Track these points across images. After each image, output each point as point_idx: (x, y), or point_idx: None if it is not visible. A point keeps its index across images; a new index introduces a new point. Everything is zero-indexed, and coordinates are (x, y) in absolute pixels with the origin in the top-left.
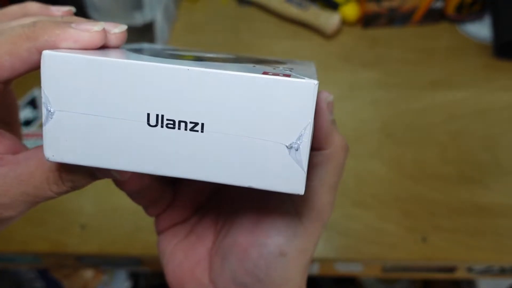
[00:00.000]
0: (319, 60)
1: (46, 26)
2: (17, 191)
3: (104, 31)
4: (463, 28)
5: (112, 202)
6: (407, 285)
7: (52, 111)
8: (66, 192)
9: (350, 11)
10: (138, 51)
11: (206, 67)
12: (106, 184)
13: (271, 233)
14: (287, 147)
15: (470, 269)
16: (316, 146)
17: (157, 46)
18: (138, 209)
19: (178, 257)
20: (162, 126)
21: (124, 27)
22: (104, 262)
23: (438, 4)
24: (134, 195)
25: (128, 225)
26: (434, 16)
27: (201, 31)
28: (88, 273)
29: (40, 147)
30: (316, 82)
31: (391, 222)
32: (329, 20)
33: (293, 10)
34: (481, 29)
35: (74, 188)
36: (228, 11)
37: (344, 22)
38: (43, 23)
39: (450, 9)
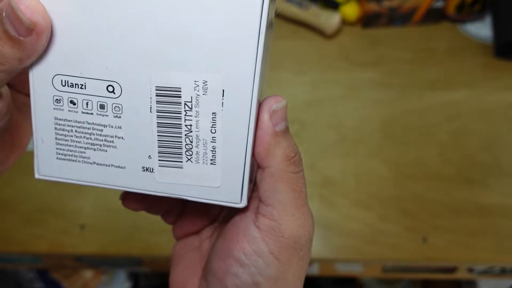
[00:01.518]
0: (319, 60)
1: None
2: None
3: None
4: (463, 28)
5: (112, 202)
6: (407, 285)
7: None
8: None
9: (350, 10)
10: None
11: None
12: None
13: (242, 262)
14: None
15: (470, 270)
16: (259, 163)
17: None
18: None
19: (180, 268)
20: None
21: None
22: (104, 262)
23: (439, 4)
24: (147, 210)
25: (128, 225)
26: (434, 16)
27: None
28: (88, 274)
29: None
30: None
31: (391, 222)
32: (329, 19)
33: (293, 10)
34: (481, 29)
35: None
36: None
37: (344, 22)
38: None
39: (451, 9)
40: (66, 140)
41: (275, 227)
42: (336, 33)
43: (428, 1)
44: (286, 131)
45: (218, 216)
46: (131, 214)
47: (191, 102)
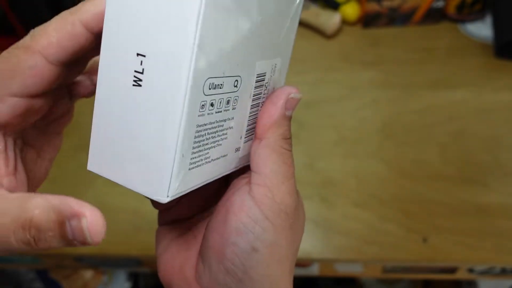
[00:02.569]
0: (319, 60)
1: None
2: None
3: None
4: (464, 28)
5: (111, 202)
6: (407, 285)
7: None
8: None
9: (351, 10)
10: None
11: None
12: (105, 184)
13: (240, 230)
14: None
15: (471, 270)
16: (259, 132)
17: None
18: (137, 209)
19: (171, 251)
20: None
21: None
22: (104, 263)
23: (439, 4)
24: None
25: (128, 226)
26: (434, 15)
27: None
28: (88, 274)
29: (25, 197)
30: None
31: (391, 222)
32: (330, 19)
33: None
34: (482, 29)
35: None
36: None
37: (345, 22)
38: None
39: (451, 9)
40: (199, 146)
41: (268, 193)
42: (336, 33)
43: (428, 1)
44: (290, 118)
45: (211, 202)
46: (130, 214)
47: (267, 82)
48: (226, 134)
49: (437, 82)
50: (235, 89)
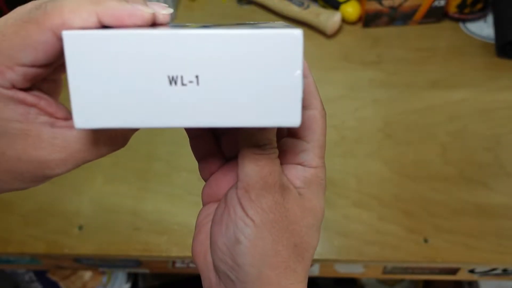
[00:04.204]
0: (319, 59)
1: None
2: (74, 148)
3: (154, 13)
4: (465, 27)
5: (110, 203)
6: (408, 286)
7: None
8: (107, 153)
9: (351, 10)
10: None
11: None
12: (104, 184)
13: (228, 225)
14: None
15: (472, 271)
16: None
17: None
18: (136, 209)
19: (202, 236)
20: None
21: (170, 10)
22: (103, 263)
23: (440, 3)
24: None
25: (127, 226)
26: (436, 14)
27: None
28: (87, 274)
29: None
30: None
31: (392, 222)
32: (330, 19)
33: (293, 9)
34: (483, 28)
35: (113, 148)
36: (228, 9)
37: (345, 21)
38: None
39: (452, 8)
40: None
41: (245, 194)
42: (337, 32)
43: (429, 0)
44: (262, 127)
45: None
46: (129, 215)
47: None
48: None
49: (438, 82)
50: None
